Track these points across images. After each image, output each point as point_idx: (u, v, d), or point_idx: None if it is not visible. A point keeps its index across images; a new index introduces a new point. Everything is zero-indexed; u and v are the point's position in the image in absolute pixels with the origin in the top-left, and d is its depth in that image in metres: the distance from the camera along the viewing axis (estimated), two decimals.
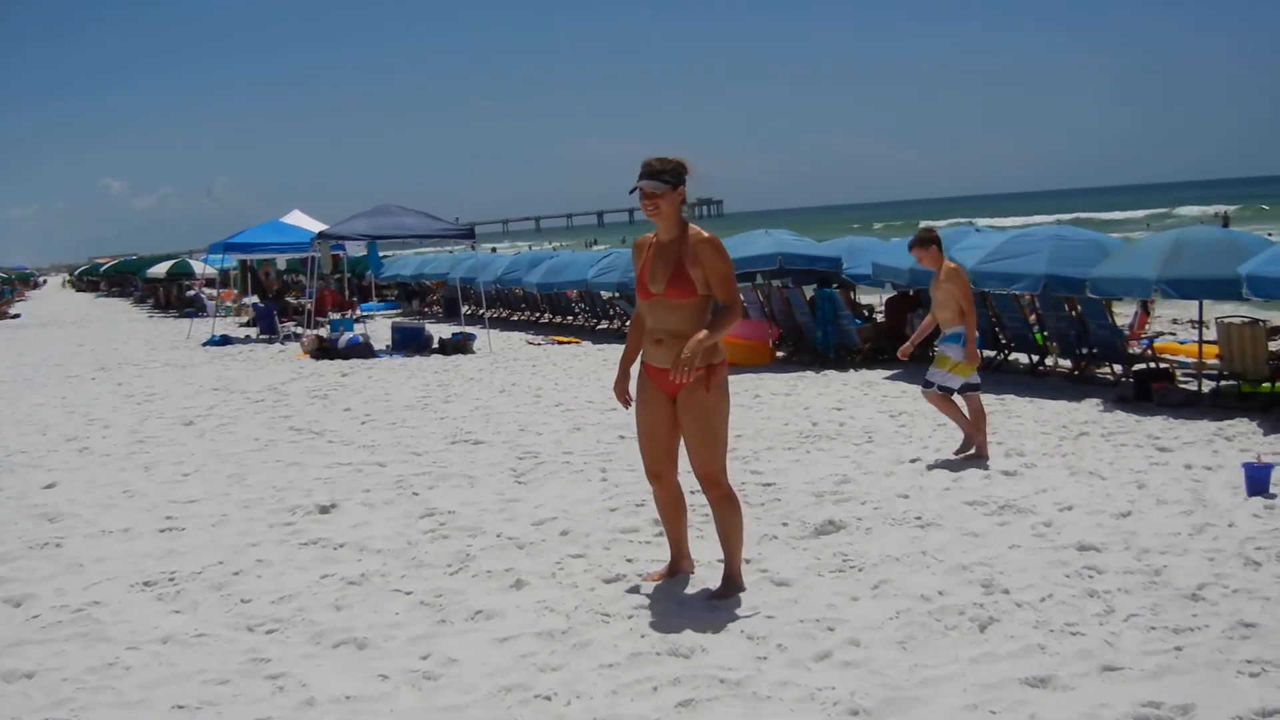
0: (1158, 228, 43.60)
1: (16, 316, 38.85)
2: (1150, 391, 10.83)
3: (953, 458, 8.34)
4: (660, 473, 5.39)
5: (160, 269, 42.34)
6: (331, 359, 17.72)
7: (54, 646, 4.90)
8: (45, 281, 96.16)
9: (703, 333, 4.94)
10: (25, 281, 76.37)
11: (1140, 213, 70.00)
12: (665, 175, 5.09)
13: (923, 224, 15.50)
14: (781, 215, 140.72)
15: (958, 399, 8.45)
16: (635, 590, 5.43)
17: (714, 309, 5.12)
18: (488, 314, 23.36)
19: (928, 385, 8.52)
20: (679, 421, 5.20)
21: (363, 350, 18.14)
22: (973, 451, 8.40)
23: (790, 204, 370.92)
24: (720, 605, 5.16)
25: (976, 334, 8.41)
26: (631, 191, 5.14)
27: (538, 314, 26.20)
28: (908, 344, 8.80)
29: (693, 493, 5.64)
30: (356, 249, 25.84)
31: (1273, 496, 6.84)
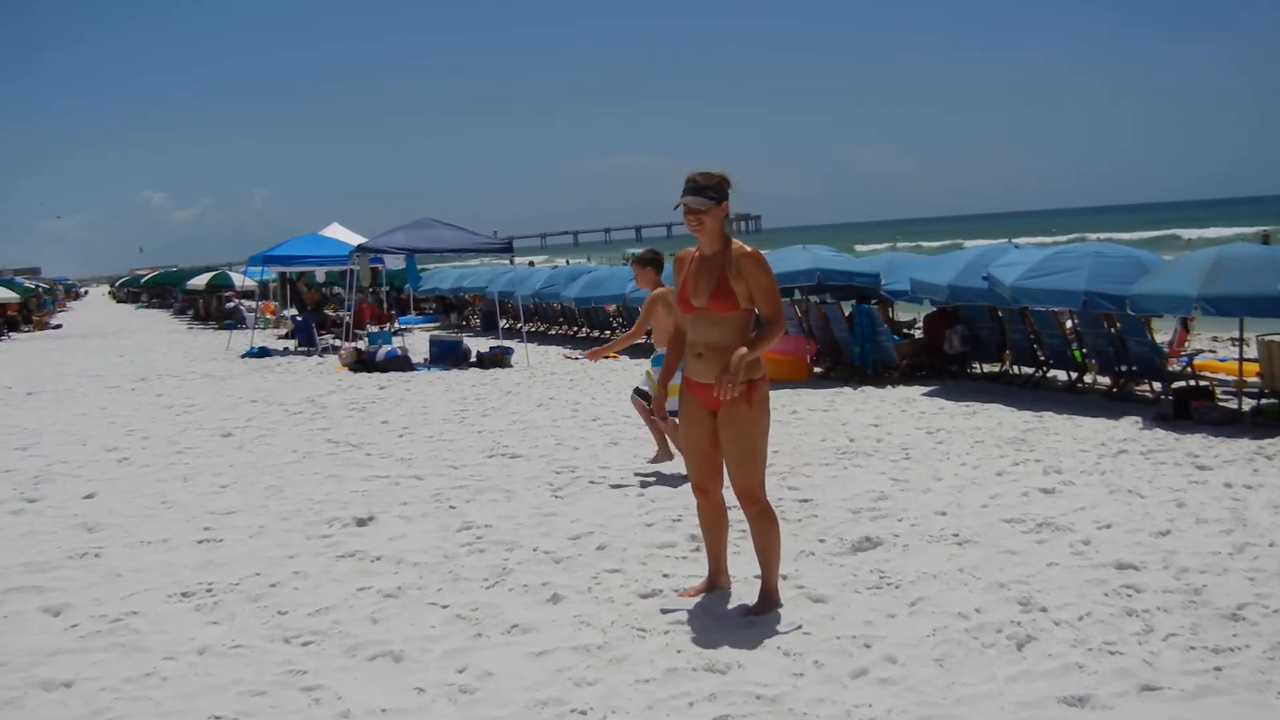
0: (1199, 245, 43.10)
1: (58, 327, 39.39)
2: (1190, 409, 10.72)
3: (646, 465, 9.00)
4: (706, 487, 5.40)
5: (200, 281, 42.83)
6: (369, 372, 17.85)
7: (92, 656, 4.95)
8: (87, 292, 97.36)
9: (744, 349, 4.94)
10: (67, 292, 77.37)
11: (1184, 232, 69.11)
12: (710, 191, 5.12)
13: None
14: (819, 231, 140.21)
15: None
16: (671, 606, 5.42)
17: (757, 324, 5.13)
18: (525, 328, 23.44)
19: (641, 395, 8.96)
20: (719, 436, 5.20)
21: (400, 363, 18.24)
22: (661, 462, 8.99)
23: (829, 219, 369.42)
24: (757, 621, 5.15)
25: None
26: (676, 207, 5.17)
27: (575, 328, 26.26)
28: (601, 348, 9.30)
29: (731, 508, 5.63)
30: (395, 262, 26.02)
31: None
